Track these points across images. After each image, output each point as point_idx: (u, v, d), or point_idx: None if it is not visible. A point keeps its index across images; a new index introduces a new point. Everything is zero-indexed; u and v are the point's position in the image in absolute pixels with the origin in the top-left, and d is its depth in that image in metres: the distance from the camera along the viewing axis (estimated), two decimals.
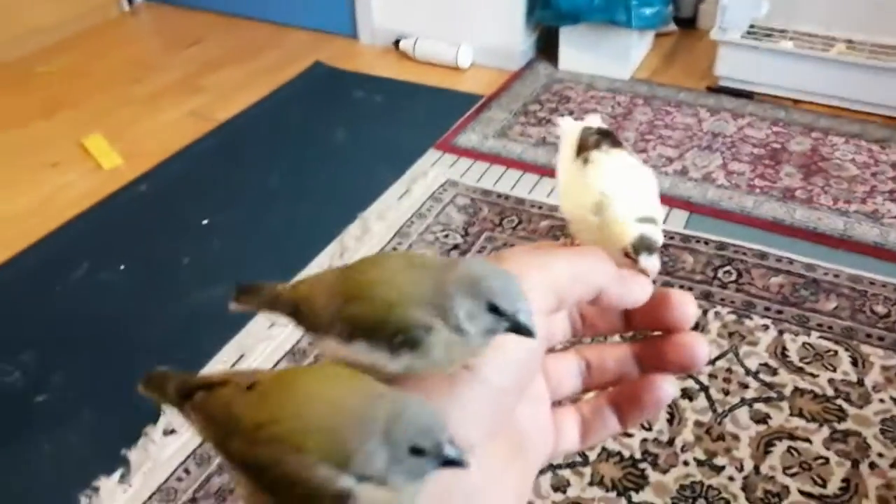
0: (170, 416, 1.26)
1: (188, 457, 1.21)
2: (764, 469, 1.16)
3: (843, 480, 1.14)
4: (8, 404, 1.32)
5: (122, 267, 1.60)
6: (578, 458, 1.18)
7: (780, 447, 1.19)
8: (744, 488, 1.14)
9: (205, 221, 1.72)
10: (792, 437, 1.20)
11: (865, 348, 1.35)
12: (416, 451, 0.27)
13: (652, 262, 0.40)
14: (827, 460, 1.17)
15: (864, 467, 1.16)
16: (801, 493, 1.13)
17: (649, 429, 1.22)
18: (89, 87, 2.28)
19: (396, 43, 2.42)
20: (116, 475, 1.19)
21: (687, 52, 2.43)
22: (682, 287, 1.49)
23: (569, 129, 0.56)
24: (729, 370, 1.31)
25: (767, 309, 1.44)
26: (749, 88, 2.16)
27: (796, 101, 2.13)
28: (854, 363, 1.32)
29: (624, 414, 0.36)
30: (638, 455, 1.18)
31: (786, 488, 1.13)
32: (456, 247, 1.62)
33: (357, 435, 0.26)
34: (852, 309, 1.43)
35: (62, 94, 2.24)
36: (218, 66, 2.38)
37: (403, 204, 1.74)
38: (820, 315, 1.42)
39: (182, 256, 1.61)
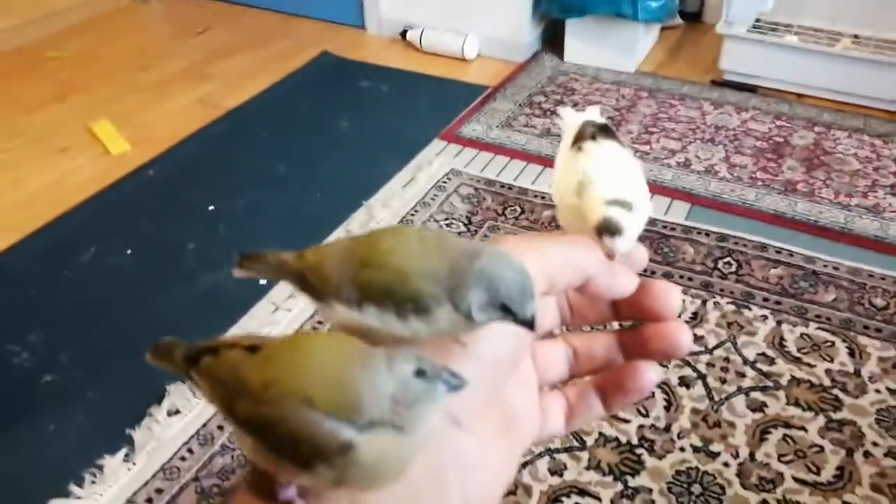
0: (174, 396, 1.28)
1: (192, 437, 1.23)
2: (759, 456, 1.18)
3: (838, 468, 1.16)
4: (15, 384, 1.34)
5: (128, 251, 1.62)
6: (576, 443, 1.20)
7: (776, 435, 1.20)
8: (738, 474, 1.15)
9: (211, 207, 1.74)
10: (788, 425, 1.22)
11: (863, 339, 1.36)
12: (419, 373, 0.28)
13: (617, 245, 0.41)
14: (822, 448, 1.18)
15: (858, 456, 1.17)
16: (796, 479, 1.14)
17: (646, 415, 1.24)
18: (99, 73, 2.30)
19: (403, 33, 2.43)
20: (121, 454, 1.21)
21: (692, 46, 2.44)
22: (682, 278, 1.50)
23: (570, 121, 0.57)
24: (727, 359, 1.33)
25: (766, 300, 1.45)
26: (753, 82, 2.16)
27: (800, 96, 2.13)
28: (851, 354, 1.34)
29: (608, 399, 0.38)
30: (635, 441, 1.20)
31: (780, 475, 1.15)
32: (459, 236, 1.63)
33: (363, 382, 0.27)
34: (851, 301, 1.45)
35: (72, 80, 2.26)
36: (226, 55, 2.40)
37: (408, 192, 1.76)
38: (818, 306, 1.44)
39: (188, 241, 1.63)
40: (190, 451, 1.21)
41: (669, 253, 1.57)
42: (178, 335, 0.34)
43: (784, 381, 1.29)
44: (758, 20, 2.17)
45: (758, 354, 1.34)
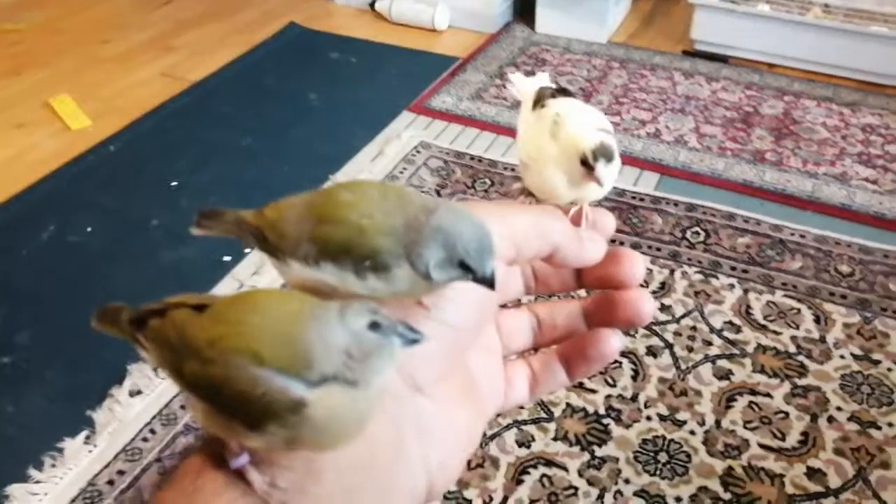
0: (135, 376, 1.26)
1: (154, 417, 1.21)
2: (725, 423, 1.18)
3: (802, 433, 1.17)
4: None
5: (89, 229, 1.58)
6: (543, 414, 1.20)
7: (742, 402, 1.21)
8: (704, 442, 1.16)
9: (174, 182, 1.70)
10: (753, 392, 1.23)
11: (828, 306, 1.37)
12: (374, 326, 0.27)
13: (608, 173, 0.40)
14: (787, 414, 1.19)
15: (822, 421, 1.18)
16: (761, 445, 1.15)
17: (613, 385, 1.24)
18: (58, 46, 2.22)
19: (372, 4, 2.38)
20: (81, 436, 1.18)
21: (664, 16, 2.42)
22: (650, 248, 1.50)
23: (524, 88, 0.57)
24: (694, 328, 1.33)
25: (733, 268, 1.46)
26: (725, 52, 2.15)
27: (771, 65, 2.12)
28: (817, 321, 1.34)
29: (572, 367, 0.37)
30: (602, 411, 1.20)
31: (745, 441, 1.16)
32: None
33: (313, 335, 0.26)
34: (817, 268, 1.45)
35: (30, 53, 2.19)
36: (191, 26, 2.33)
37: (376, 166, 1.73)
38: (785, 274, 1.44)
39: (151, 218, 1.60)
40: (152, 431, 1.19)
41: (638, 223, 1.56)
42: None
43: (750, 349, 1.29)
44: None
45: (724, 323, 1.34)
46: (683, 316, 1.36)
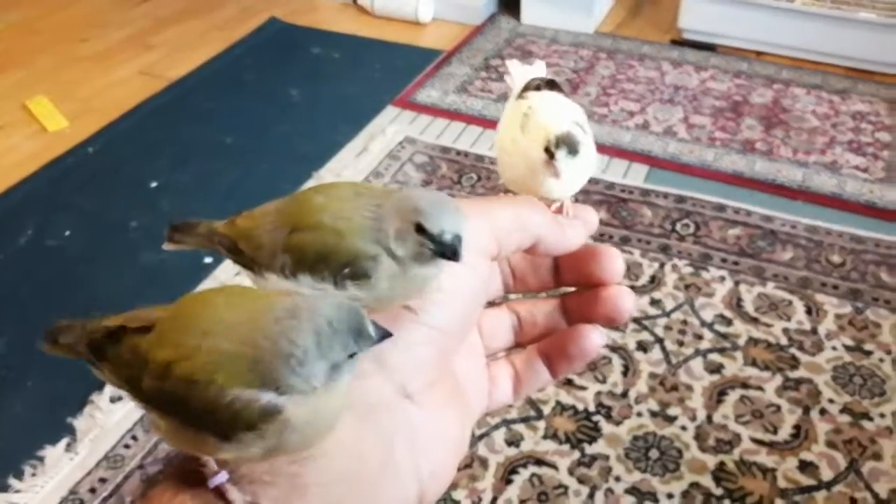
0: None
1: (135, 423, 1.18)
2: (716, 418, 1.17)
3: (794, 427, 1.15)
4: None
5: (67, 232, 1.55)
6: (532, 413, 1.18)
7: (733, 396, 1.20)
8: (696, 437, 1.14)
9: (154, 183, 1.67)
10: (745, 385, 1.21)
11: (820, 297, 1.35)
12: (334, 325, 0.25)
13: (567, 166, 0.38)
14: (778, 408, 1.18)
15: (814, 413, 1.17)
16: (753, 440, 1.14)
17: (603, 381, 1.22)
18: (35, 46, 2.18)
19: None
20: (62, 444, 1.16)
21: (652, 5, 2.39)
22: (640, 241, 1.48)
23: (518, 76, 0.55)
24: (684, 322, 1.31)
25: (724, 260, 1.44)
26: (713, 41, 2.13)
27: (759, 53, 2.10)
28: (808, 312, 1.33)
29: (554, 365, 0.37)
30: (592, 408, 1.18)
31: (737, 436, 1.14)
32: None
33: (269, 351, 0.25)
34: (808, 259, 1.44)
35: (6, 53, 2.14)
36: (169, 23, 2.29)
37: (360, 162, 1.70)
38: (776, 265, 1.42)
39: (130, 220, 1.57)
40: (134, 437, 1.17)
41: (627, 216, 1.54)
42: None
43: (741, 342, 1.28)
44: None
45: (715, 316, 1.32)
46: (674, 310, 1.34)
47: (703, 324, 1.31)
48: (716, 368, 1.24)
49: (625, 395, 1.20)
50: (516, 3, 2.26)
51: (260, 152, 1.76)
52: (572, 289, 0.38)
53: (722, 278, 1.39)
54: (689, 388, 1.21)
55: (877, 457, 1.11)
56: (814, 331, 1.29)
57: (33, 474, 1.13)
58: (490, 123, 1.84)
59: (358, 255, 0.28)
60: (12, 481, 1.12)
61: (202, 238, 0.33)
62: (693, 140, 1.78)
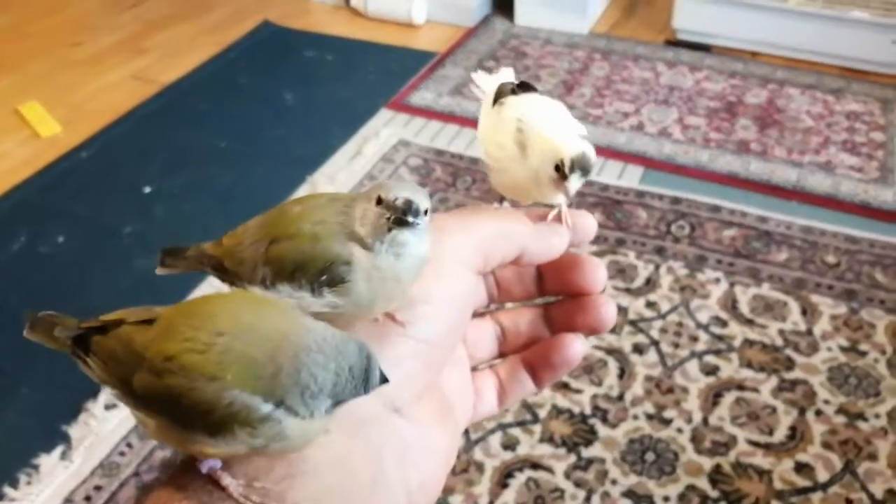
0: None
1: (130, 431, 1.18)
2: (712, 420, 1.17)
3: (790, 428, 1.15)
4: None
5: (60, 238, 1.54)
6: (528, 416, 1.18)
7: (729, 398, 1.20)
8: (692, 439, 1.14)
9: (147, 189, 1.66)
10: (740, 387, 1.21)
11: (815, 298, 1.35)
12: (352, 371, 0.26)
13: (576, 186, 0.38)
14: (774, 409, 1.18)
15: (810, 414, 1.17)
16: (749, 441, 1.14)
17: (599, 384, 1.22)
18: (27, 51, 2.17)
19: (347, 0, 2.34)
20: (57, 452, 1.15)
21: (646, 6, 2.39)
22: (635, 243, 1.48)
23: (486, 87, 0.54)
24: (680, 324, 1.31)
25: (719, 262, 1.44)
26: (707, 41, 2.13)
27: (754, 54, 2.11)
28: (804, 313, 1.33)
29: (538, 374, 0.37)
30: (588, 411, 1.18)
31: (733, 438, 1.14)
32: None
33: (289, 375, 0.25)
34: (803, 259, 1.44)
35: None
36: (162, 26, 2.28)
37: (354, 165, 1.70)
38: (771, 266, 1.42)
39: (124, 226, 1.56)
40: (129, 445, 1.16)
41: (622, 218, 1.54)
42: None
43: (737, 344, 1.28)
44: None
45: (711, 317, 1.32)
46: (669, 312, 1.34)
47: (699, 325, 1.31)
48: (711, 370, 1.24)
49: (621, 397, 1.20)
50: (510, 5, 2.26)
51: (254, 156, 1.75)
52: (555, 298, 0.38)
53: (717, 280, 1.39)
54: (685, 390, 1.21)
55: (872, 457, 1.11)
56: (809, 332, 1.29)
57: (28, 482, 1.13)
58: None
59: (333, 260, 0.29)
60: (7, 489, 1.11)
61: (192, 261, 0.34)
62: (688, 141, 1.78)
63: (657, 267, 1.42)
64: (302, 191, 1.63)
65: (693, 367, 1.24)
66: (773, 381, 1.22)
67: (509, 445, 1.14)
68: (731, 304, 1.35)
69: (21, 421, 1.21)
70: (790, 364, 1.24)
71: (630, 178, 1.67)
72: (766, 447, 1.13)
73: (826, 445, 1.13)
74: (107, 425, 1.18)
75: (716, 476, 1.09)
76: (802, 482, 1.09)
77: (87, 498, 1.11)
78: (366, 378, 0.26)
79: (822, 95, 1.93)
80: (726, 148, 1.75)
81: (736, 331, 1.30)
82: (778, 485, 1.08)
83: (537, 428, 1.16)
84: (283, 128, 1.84)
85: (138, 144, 1.80)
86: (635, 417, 1.17)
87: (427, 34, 2.24)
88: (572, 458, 1.12)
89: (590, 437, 1.15)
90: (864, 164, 1.70)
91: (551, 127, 0.43)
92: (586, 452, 1.13)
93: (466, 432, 1.15)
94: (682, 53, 2.11)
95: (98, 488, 1.12)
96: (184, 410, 0.26)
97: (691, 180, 1.65)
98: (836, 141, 1.77)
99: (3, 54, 2.16)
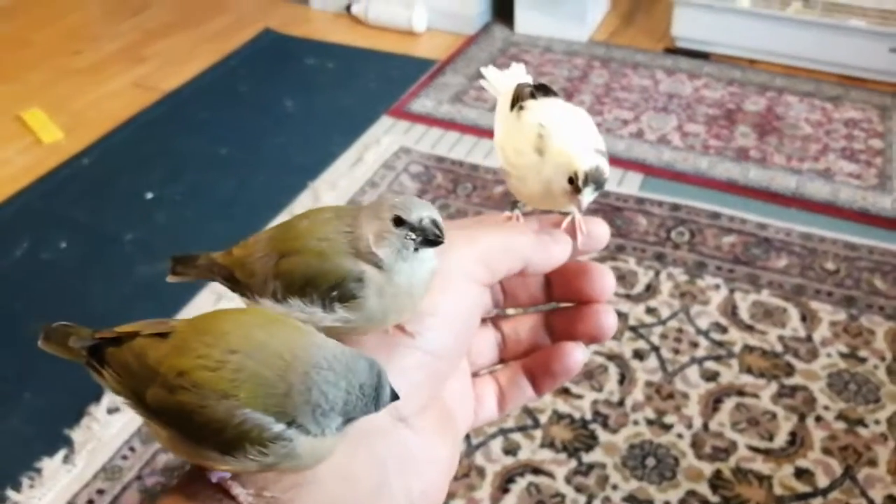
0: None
1: (133, 434, 1.18)
2: (712, 426, 1.17)
3: (790, 434, 1.16)
4: None
5: (62, 245, 1.54)
6: (529, 421, 1.18)
7: (729, 403, 1.20)
8: (692, 445, 1.14)
9: (149, 195, 1.67)
10: (741, 393, 1.21)
11: (814, 304, 1.36)
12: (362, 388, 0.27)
13: (589, 199, 0.39)
14: (774, 415, 1.18)
15: (810, 420, 1.17)
16: (749, 447, 1.14)
17: (600, 390, 1.22)
18: (29, 58, 2.18)
19: (348, 8, 2.36)
20: (60, 455, 1.16)
21: (645, 14, 2.41)
22: (635, 250, 1.49)
23: (500, 85, 0.54)
24: (680, 330, 1.32)
25: (719, 268, 1.44)
26: (706, 49, 2.14)
27: (752, 61, 2.12)
28: (803, 319, 1.33)
29: (537, 382, 0.37)
30: (589, 416, 1.18)
31: (733, 443, 1.14)
32: None
33: (300, 393, 0.26)
34: (802, 266, 1.44)
35: (0, 66, 2.15)
36: (162, 35, 2.30)
37: (355, 172, 1.71)
38: (771, 273, 1.43)
39: (125, 232, 1.57)
40: (132, 449, 1.17)
41: (622, 225, 1.55)
42: None
43: (737, 350, 1.28)
44: None
45: (711, 323, 1.33)
46: (669, 318, 1.34)
47: (699, 332, 1.31)
48: (711, 376, 1.24)
49: (621, 403, 1.20)
50: (510, 13, 2.27)
51: (255, 163, 1.76)
52: (561, 304, 0.38)
53: (717, 286, 1.40)
54: (686, 395, 1.21)
55: (872, 463, 1.11)
56: (808, 338, 1.30)
57: (31, 486, 1.13)
58: (485, 132, 1.84)
59: (344, 277, 0.29)
60: (10, 493, 1.11)
61: (202, 269, 0.34)
62: (687, 148, 1.79)
63: (657, 273, 1.43)
64: (303, 197, 1.64)
65: (693, 372, 1.25)
66: (773, 387, 1.22)
67: (510, 450, 1.14)
68: (730, 311, 1.35)
69: (24, 425, 1.22)
70: (790, 370, 1.25)
71: (630, 184, 1.68)
72: (767, 453, 1.13)
73: (826, 451, 1.13)
74: (109, 429, 1.19)
75: (716, 481, 1.10)
76: (802, 488, 1.09)
77: (90, 501, 1.11)
78: (377, 395, 0.26)
79: (820, 103, 1.94)
80: (725, 155, 1.76)
81: (736, 337, 1.30)
82: (778, 490, 1.09)
83: (538, 433, 1.16)
84: (283, 135, 1.85)
85: (139, 151, 1.81)
86: (636, 423, 1.17)
87: (427, 42, 2.25)
88: (573, 464, 1.12)
89: (590, 442, 1.15)
90: (863, 171, 1.71)
91: (569, 138, 0.43)
92: (587, 458, 1.13)
93: (467, 437, 1.16)
94: (680, 61, 2.12)
95: (101, 492, 1.12)
96: (196, 427, 0.26)
97: (691, 187, 1.66)
98: (834, 148, 1.78)
99: (5, 62, 2.17)
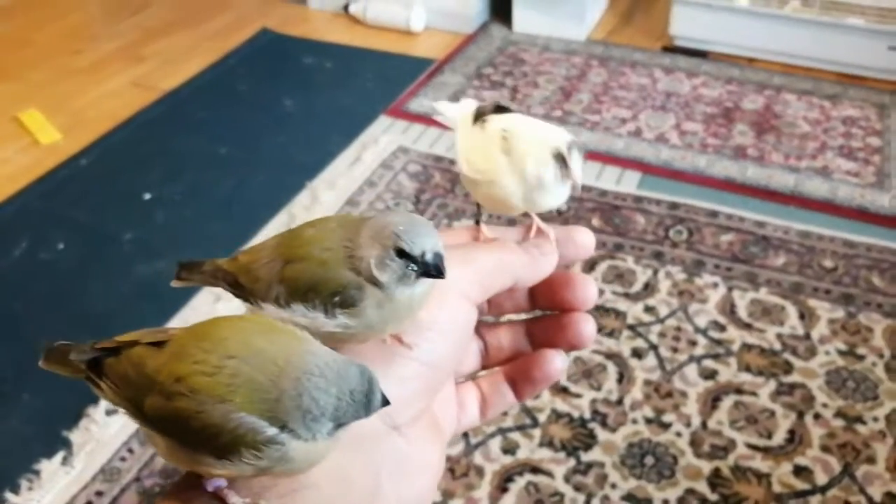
0: None
1: (131, 436, 1.18)
2: (711, 424, 1.17)
3: (789, 432, 1.16)
4: None
5: (61, 245, 1.54)
6: (528, 421, 1.18)
7: (727, 402, 1.20)
8: (691, 443, 1.15)
9: (148, 195, 1.67)
10: (739, 391, 1.21)
11: (812, 302, 1.36)
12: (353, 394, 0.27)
13: (579, 167, 0.39)
14: (773, 413, 1.18)
15: (808, 418, 1.17)
16: (747, 445, 1.14)
17: (598, 388, 1.22)
18: (27, 59, 2.18)
19: (346, 7, 2.35)
20: (58, 457, 1.16)
21: (643, 12, 2.41)
22: (633, 248, 1.49)
23: (455, 114, 0.54)
24: (678, 328, 1.32)
25: (717, 267, 1.44)
26: (704, 48, 2.14)
27: (751, 60, 2.12)
28: (801, 317, 1.34)
29: (518, 388, 0.39)
30: (587, 415, 1.19)
31: (732, 441, 1.15)
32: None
33: (291, 398, 0.26)
34: (801, 264, 1.44)
35: None
36: (161, 34, 2.30)
37: (354, 172, 1.71)
38: (769, 271, 1.43)
39: (124, 232, 1.57)
40: (130, 450, 1.17)
41: (620, 224, 1.55)
42: (116, 330, 0.32)
43: (735, 348, 1.28)
44: None
45: (709, 322, 1.33)
46: (668, 316, 1.34)
47: (697, 330, 1.31)
48: (710, 374, 1.24)
49: (620, 402, 1.20)
50: (508, 12, 2.27)
51: (254, 163, 1.76)
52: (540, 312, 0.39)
53: (715, 284, 1.40)
54: (684, 394, 1.21)
55: (871, 460, 1.11)
56: (807, 336, 1.30)
57: (30, 488, 1.13)
58: None
59: (347, 284, 0.30)
60: (8, 495, 1.11)
61: (207, 275, 0.35)
62: (685, 146, 1.79)
63: (655, 272, 1.43)
64: (302, 197, 1.64)
65: (692, 371, 1.25)
66: (772, 385, 1.22)
67: (509, 450, 1.14)
68: (729, 309, 1.35)
69: (22, 426, 1.22)
70: (788, 368, 1.25)
71: (628, 183, 1.68)
72: (765, 451, 1.13)
73: (824, 449, 1.13)
74: (108, 431, 1.19)
75: (715, 479, 1.10)
76: (801, 485, 1.09)
77: (89, 503, 1.11)
78: (367, 401, 0.27)
79: (818, 101, 1.94)
80: (723, 153, 1.76)
81: (734, 335, 1.30)
82: (777, 488, 1.09)
83: (537, 432, 1.16)
84: (282, 134, 1.85)
85: (138, 151, 1.81)
86: (634, 421, 1.18)
87: (426, 41, 2.25)
88: (572, 462, 1.12)
89: (589, 441, 1.15)
90: (861, 169, 1.71)
91: (532, 131, 0.43)
92: (586, 456, 1.13)
93: (466, 436, 1.16)
94: (679, 60, 2.12)
95: (99, 493, 1.12)
96: (192, 433, 0.26)
97: (689, 185, 1.66)
98: (832, 146, 1.78)
99: (3, 62, 2.17)
